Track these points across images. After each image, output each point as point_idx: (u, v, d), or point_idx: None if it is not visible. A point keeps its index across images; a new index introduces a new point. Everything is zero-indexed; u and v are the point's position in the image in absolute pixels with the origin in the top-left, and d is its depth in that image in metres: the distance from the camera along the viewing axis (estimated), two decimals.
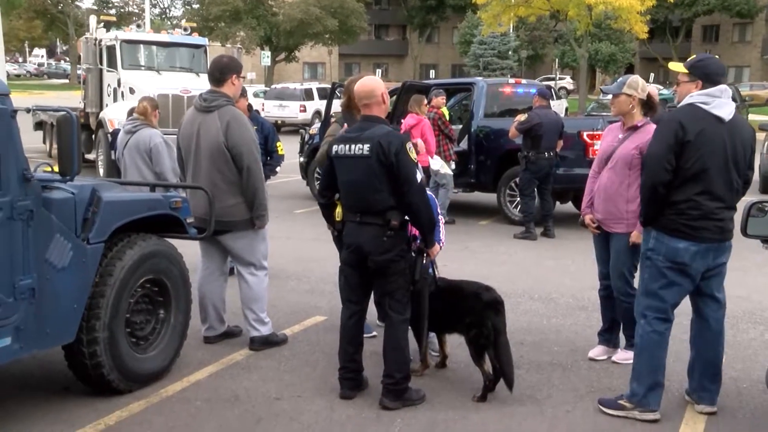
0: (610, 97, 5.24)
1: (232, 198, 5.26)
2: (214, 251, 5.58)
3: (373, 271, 4.52)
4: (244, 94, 7.12)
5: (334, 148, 4.56)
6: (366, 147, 4.38)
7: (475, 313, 4.62)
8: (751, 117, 29.33)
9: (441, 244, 5.17)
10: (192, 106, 5.50)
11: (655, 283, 4.31)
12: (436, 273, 5.20)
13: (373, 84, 4.57)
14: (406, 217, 4.47)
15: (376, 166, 4.35)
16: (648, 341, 4.35)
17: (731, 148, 4.19)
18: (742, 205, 4.33)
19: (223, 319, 5.70)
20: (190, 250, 5.56)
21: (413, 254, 4.60)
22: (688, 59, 4.45)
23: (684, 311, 4.57)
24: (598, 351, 5.46)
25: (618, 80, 5.25)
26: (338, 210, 4.73)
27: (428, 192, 5.41)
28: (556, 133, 9.94)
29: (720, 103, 4.17)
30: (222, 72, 5.35)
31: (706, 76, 4.24)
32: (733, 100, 4.27)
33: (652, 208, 4.26)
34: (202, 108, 5.31)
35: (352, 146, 4.44)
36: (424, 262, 4.66)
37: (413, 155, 4.41)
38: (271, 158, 7.72)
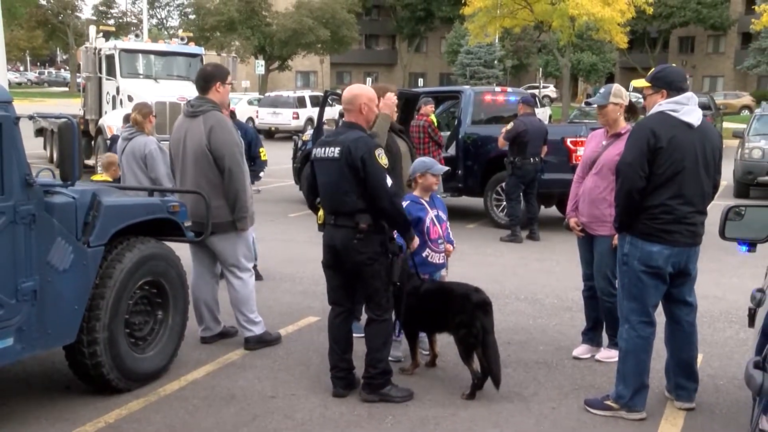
0: (595, 106, 5.23)
1: (215, 200, 5.23)
2: (203, 254, 5.55)
3: (350, 272, 4.53)
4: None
5: (314, 151, 4.62)
6: (337, 150, 4.42)
7: (465, 313, 4.61)
8: (725, 125, 29.49)
9: (453, 246, 5.25)
10: (181, 113, 5.52)
11: (634, 287, 4.30)
12: (445, 275, 5.21)
13: (356, 92, 4.60)
14: (381, 222, 4.48)
15: (345, 168, 4.39)
16: (633, 345, 4.33)
17: (702, 153, 4.19)
18: (718, 209, 4.36)
19: (218, 319, 5.68)
20: (187, 253, 5.54)
21: (390, 257, 4.57)
22: (649, 72, 4.45)
23: (662, 310, 4.57)
24: (582, 350, 5.47)
25: (601, 91, 5.24)
26: (320, 213, 4.76)
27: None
28: (541, 139, 9.96)
29: (689, 110, 4.18)
30: (206, 80, 5.37)
31: (669, 84, 4.25)
32: (708, 108, 4.30)
33: (626, 214, 4.25)
34: (188, 114, 5.34)
35: (327, 149, 4.49)
36: (437, 273, 4.65)
37: (383, 161, 4.41)
38: (254, 164, 7.70)
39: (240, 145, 5.38)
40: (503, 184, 10.56)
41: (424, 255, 5.01)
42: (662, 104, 4.21)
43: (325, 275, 4.74)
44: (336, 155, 4.42)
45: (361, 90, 4.64)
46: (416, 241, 4.69)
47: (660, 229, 4.18)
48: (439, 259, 5.11)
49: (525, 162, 9.86)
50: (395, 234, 4.62)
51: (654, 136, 4.10)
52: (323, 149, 4.53)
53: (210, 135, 5.18)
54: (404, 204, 4.92)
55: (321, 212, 4.73)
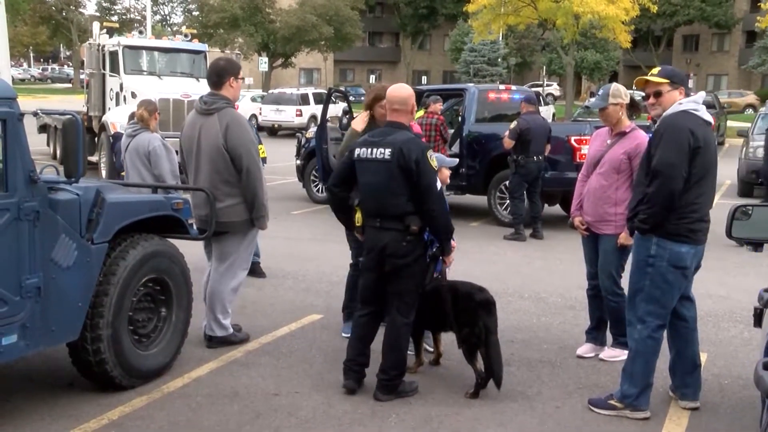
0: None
1: (230, 199, 5.20)
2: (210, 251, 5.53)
3: (388, 272, 4.49)
4: None
5: (357, 151, 4.53)
6: (387, 151, 4.36)
7: (468, 312, 4.61)
8: (730, 123, 29.47)
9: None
10: (193, 108, 5.46)
11: (658, 289, 4.24)
12: (446, 272, 5.23)
13: (408, 92, 4.58)
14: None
15: (396, 171, 4.33)
16: (645, 346, 4.31)
17: (715, 151, 4.25)
18: (721, 207, 4.36)
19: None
20: (191, 250, 5.53)
21: (427, 259, 4.59)
22: (657, 71, 4.34)
23: None
24: (585, 348, 5.45)
25: (599, 93, 5.19)
26: (358, 215, 4.69)
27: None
28: (544, 137, 9.95)
29: (703, 108, 4.21)
30: (219, 75, 5.29)
31: (683, 81, 4.29)
32: (712, 107, 4.34)
33: (661, 216, 4.15)
34: (202, 111, 5.26)
35: (374, 150, 4.42)
36: (440, 267, 4.63)
37: (434, 163, 4.39)
38: None
39: (256, 143, 5.31)
40: (507, 183, 10.55)
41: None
42: (683, 103, 4.18)
43: (363, 277, 4.68)
44: (387, 157, 4.35)
45: (410, 90, 4.62)
46: (452, 255, 4.65)
47: (688, 229, 4.17)
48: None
49: (528, 160, 9.85)
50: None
51: (693, 135, 4.08)
52: (369, 149, 4.44)
53: (226, 134, 5.12)
54: None
55: (359, 214, 4.66)
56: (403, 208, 4.37)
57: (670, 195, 4.11)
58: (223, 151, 5.14)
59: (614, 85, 5.20)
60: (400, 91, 4.58)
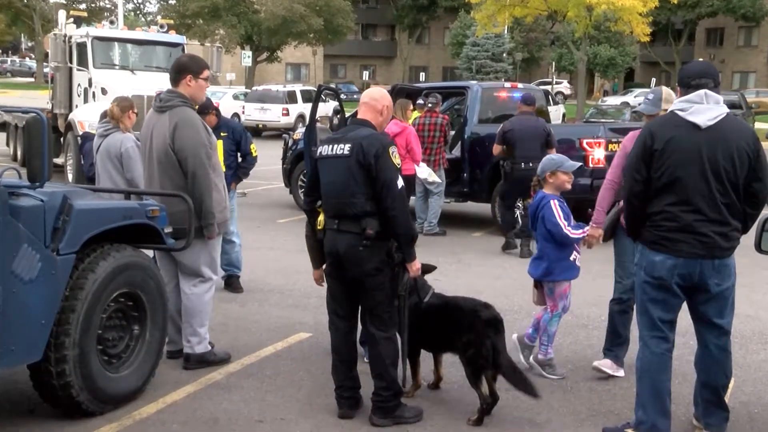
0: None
1: (179, 204, 5.17)
2: (167, 262, 5.51)
3: (352, 282, 4.53)
4: (207, 109, 6.88)
5: (320, 149, 4.64)
6: (347, 147, 4.45)
7: (474, 331, 4.60)
8: (758, 125, 29.54)
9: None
10: (152, 106, 5.49)
11: (642, 300, 4.35)
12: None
13: (382, 92, 4.81)
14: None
15: (355, 167, 4.40)
16: (647, 364, 4.31)
17: (710, 156, 4.07)
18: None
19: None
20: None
21: (396, 267, 4.58)
22: None
23: (690, 331, 4.56)
24: (606, 363, 5.46)
25: (650, 98, 5.24)
26: (320, 218, 4.74)
27: None
28: (536, 140, 9.61)
29: (699, 108, 4.11)
30: (177, 72, 5.37)
31: (680, 80, 4.32)
32: (738, 107, 4.29)
33: (631, 221, 4.37)
34: (157, 108, 5.33)
35: (335, 146, 4.52)
36: (407, 276, 4.61)
37: (396, 160, 4.45)
38: (245, 160, 7.71)
39: (208, 146, 5.30)
40: None
41: (572, 259, 5.40)
42: (675, 103, 4.26)
43: (327, 284, 4.77)
44: (346, 152, 4.44)
45: (383, 94, 4.79)
46: (417, 264, 4.59)
47: (663, 237, 4.19)
48: (578, 262, 5.49)
49: (515, 167, 9.58)
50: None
51: (651, 137, 4.16)
52: (331, 146, 4.55)
53: (174, 133, 5.15)
54: (554, 202, 5.24)
55: (321, 217, 4.72)
56: (362, 208, 4.41)
57: (627, 199, 4.36)
58: (171, 153, 5.18)
59: (665, 90, 5.31)
60: (376, 89, 4.88)
